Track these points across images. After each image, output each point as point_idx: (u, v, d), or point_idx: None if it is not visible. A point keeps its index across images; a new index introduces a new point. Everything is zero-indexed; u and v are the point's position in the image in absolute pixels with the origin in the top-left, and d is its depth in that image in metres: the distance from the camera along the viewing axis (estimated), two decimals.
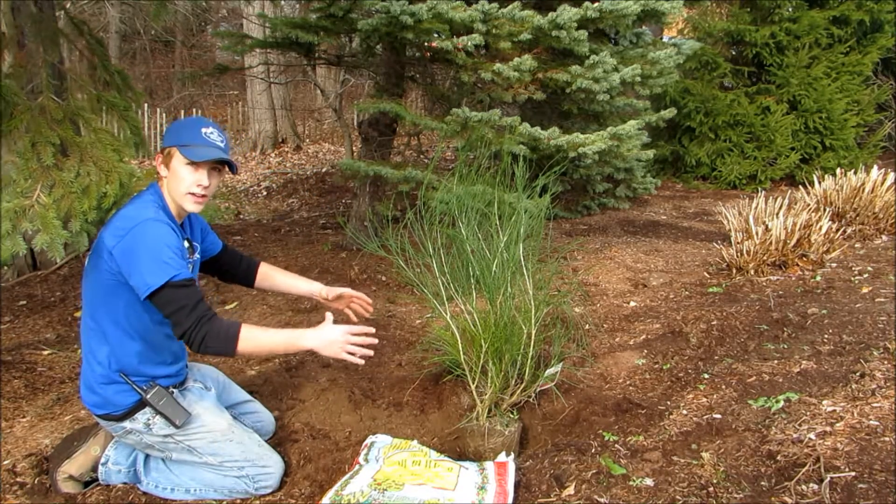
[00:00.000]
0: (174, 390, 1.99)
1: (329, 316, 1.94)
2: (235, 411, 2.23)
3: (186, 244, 2.00)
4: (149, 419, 1.93)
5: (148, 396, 1.90)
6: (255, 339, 1.83)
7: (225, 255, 2.28)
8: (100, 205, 2.60)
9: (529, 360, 2.25)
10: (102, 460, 2.04)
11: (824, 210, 4.30)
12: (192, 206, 1.93)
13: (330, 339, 1.86)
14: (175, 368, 2.03)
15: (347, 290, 2.30)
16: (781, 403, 2.09)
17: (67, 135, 2.78)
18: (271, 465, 2.03)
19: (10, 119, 2.65)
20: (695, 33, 7.86)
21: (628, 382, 2.60)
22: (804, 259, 3.71)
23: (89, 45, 3.49)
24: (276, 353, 1.86)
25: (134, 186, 2.75)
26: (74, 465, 2.00)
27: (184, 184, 1.90)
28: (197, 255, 2.09)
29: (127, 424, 1.94)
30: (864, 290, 3.20)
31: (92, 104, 3.16)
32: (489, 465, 1.99)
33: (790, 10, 7.52)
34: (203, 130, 1.91)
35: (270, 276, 2.32)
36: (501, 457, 2.05)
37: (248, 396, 2.30)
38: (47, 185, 2.60)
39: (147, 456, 2.05)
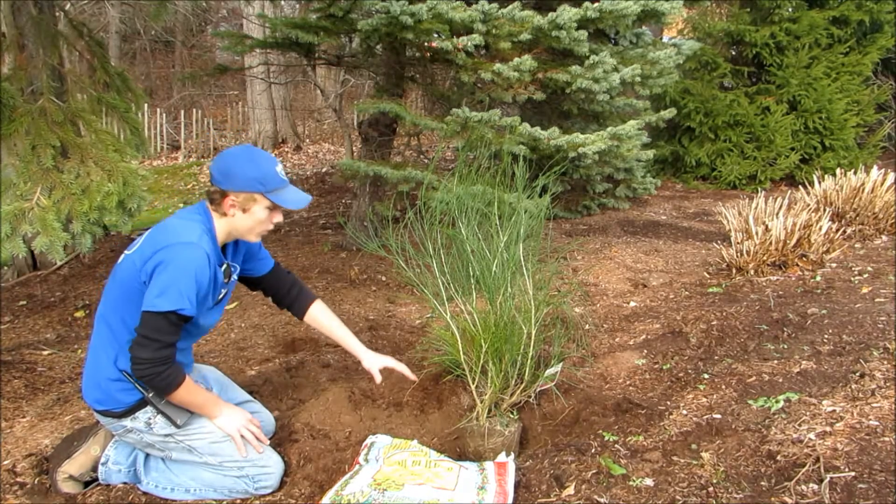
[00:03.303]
0: None
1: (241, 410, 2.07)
2: None
3: (223, 268, 1.97)
4: (150, 418, 1.93)
5: (150, 395, 1.90)
6: (186, 396, 1.91)
7: (268, 279, 2.24)
8: (103, 204, 2.60)
9: (529, 360, 2.25)
10: (102, 460, 2.04)
11: (824, 210, 4.30)
12: (255, 239, 2.00)
13: (233, 417, 2.00)
14: None
15: (389, 365, 2.25)
16: (781, 403, 2.09)
17: (68, 136, 2.78)
18: (271, 465, 2.03)
19: (9, 122, 2.66)
20: (695, 33, 7.86)
21: (628, 382, 2.60)
22: (804, 259, 3.71)
23: (89, 46, 3.50)
24: (192, 409, 1.99)
25: (139, 185, 2.76)
26: (74, 465, 2.00)
27: (261, 225, 1.93)
28: (234, 277, 2.09)
29: (127, 423, 1.94)
30: (864, 290, 3.20)
31: (92, 105, 3.17)
32: (489, 465, 1.99)
33: (790, 10, 7.52)
34: (277, 170, 1.91)
35: (322, 319, 2.27)
36: (501, 457, 2.05)
37: (248, 397, 2.30)
38: (47, 188, 2.61)
39: (147, 455, 2.05)
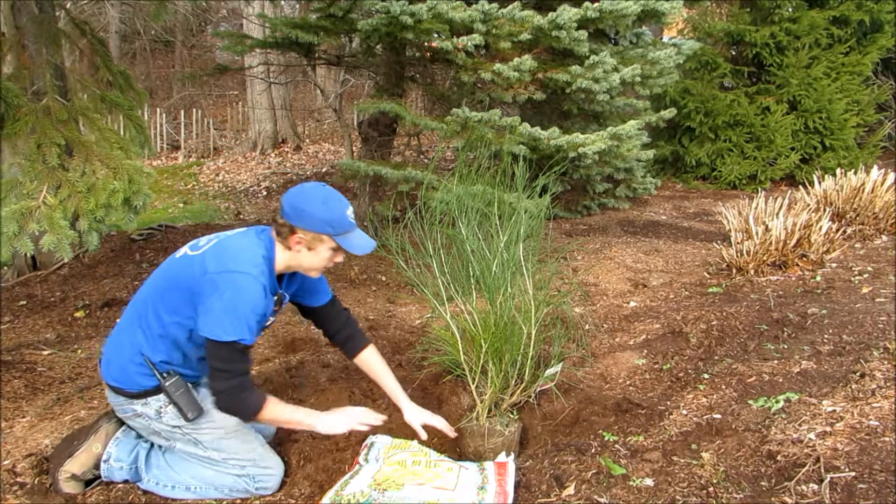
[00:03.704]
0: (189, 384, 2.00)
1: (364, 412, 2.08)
2: None
3: (276, 297, 1.99)
4: (161, 407, 1.94)
5: (166, 384, 1.91)
6: (274, 411, 1.93)
7: (321, 312, 2.21)
8: (109, 202, 2.60)
9: (529, 361, 2.25)
10: (104, 457, 2.03)
11: (824, 210, 4.30)
12: (315, 275, 2.02)
13: (341, 420, 2.02)
14: (196, 375, 2.05)
15: (430, 422, 2.17)
16: (781, 403, 2.09)
17: (72, 135, 2.78)
18: (273, 466, 2.03)
19: (14, 121, 2.66)
20: (695, 33, 7.86)
21: (628, 382, 2.60)
22: (804, 259, 3.71)
23: (91, 45, 3.50)
24: (286, 427, 2.05)
25: (144, 182, 2.75)
26: (76, 464, 2.00)
27: (323, 263, 1.94)
28: (283, 305, 2.10)
29: (138, 407, 1.95)
30: (864, 290, 3.20)
31: (96, 104, 3.17)
32: (489, 465, 1.99)
33: (790, 10, 7.52)
34: (348, 213, 1.90)
35: (373, 365, 2.24)
36: (501, 457, 2.04)
37: None
38: (53, 186, 2.61)
39: (149, 452, 2.05)
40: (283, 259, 1.93)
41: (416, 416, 2.16)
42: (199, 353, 1.95)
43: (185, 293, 1.86)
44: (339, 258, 1.96)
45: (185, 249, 1.96)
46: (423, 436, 2.14)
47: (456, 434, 2.17)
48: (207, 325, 1.80)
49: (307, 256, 1.92)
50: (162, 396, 1.93)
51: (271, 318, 2.02)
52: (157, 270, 1.99)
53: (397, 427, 2.37)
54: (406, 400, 2.20)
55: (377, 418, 2.06)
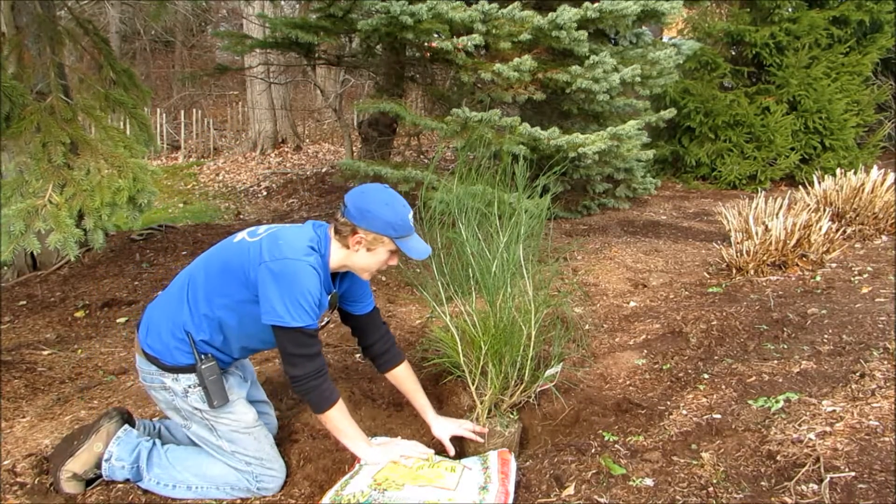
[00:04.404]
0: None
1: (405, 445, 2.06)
2: None
3: (330, 297, 1.99)
4: (190, 387, 1.95)
5: (203, 367, 1.93)
6: (338, 418, 1.96)
7: (361, 320, 2.20)
8: (114, 200, 2.61)
9: (529, 361, 2.25)
10: (106, 456, 2.04)
11: (824, 210, 4.30)
12: (367, 277, 2.03)
13: (387, 454, 2.01)
14: (228, 362, 2.07)
15: (458, 433, 2.17)
16: (781, 403, 2.09)
17: (77, 133, 2.79)
18: (277, 469, 2.05)
19: (19, 120, 2.66)
20: (695, 33, 7.86)
21: (628, 382, 2.60)
22: (804, 259, 3.71)
23: (95, 43, 3.49)
24: (337, 437, 2.04)
25: (149, 180, 2.76)
26: (78, 463, 2.00)
27: (378, 265, 1.96)
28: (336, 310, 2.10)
29: (168, 381, 1.96)
30: (864, 290, 3.20)
31: (100, 102, 3.17)
32: (492, 455, 1.99)
33: (790, 10, 7.52)
34: (409, 217, 1.91)
35: (405, 382, 2.23)
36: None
37: (265, 398, 2.31)
38: (59, 185, 2.62)
39: (150, 451, 2.05)
40: (339, 257, 1.95)
41: (444, 430, 2.16)
42: (243, 342, 1.99)
43: (240, 276, 1.88)
44: (394, 261, 1.97)
45: (242, 235, 1.98)
46: (452, 452, 2.13)
47: (487, 430, 2.16)
48: (270, 313, 1.82)
49: (364, 257, 1.93)
50: (194, 376, 1.95)
51: (325, 318, 2.02)
52: (211, 251, 2.02)
53: (397, 427, 2.37)
54: (434, 415, 2.19)
55: (422, 453, 2.03)
